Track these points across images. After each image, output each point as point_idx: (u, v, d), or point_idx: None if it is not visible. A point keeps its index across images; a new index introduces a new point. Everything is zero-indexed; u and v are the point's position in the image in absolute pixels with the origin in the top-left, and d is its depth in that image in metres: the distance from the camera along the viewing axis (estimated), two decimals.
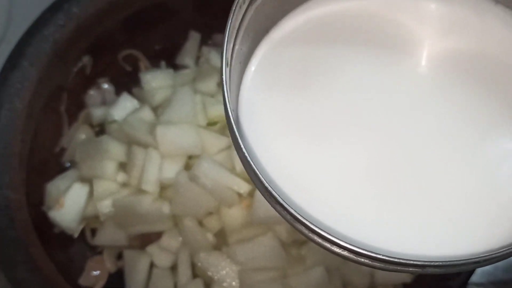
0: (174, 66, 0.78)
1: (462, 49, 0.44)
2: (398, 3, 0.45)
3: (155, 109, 0.73)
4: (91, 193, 0.69)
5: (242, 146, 0.36)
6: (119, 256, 0.71)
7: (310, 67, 0.43)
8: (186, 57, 0.79)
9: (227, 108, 0.37)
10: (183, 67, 0.78)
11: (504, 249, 0.36)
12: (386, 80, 0.43)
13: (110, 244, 0.70)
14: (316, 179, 0.40)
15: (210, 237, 0.67)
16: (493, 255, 0.35)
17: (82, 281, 0.69)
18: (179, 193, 0.66)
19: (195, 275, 0.67)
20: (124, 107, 0.74)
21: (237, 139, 0.36)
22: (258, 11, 0.41)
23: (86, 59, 0.73)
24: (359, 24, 0.45)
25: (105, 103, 0.77)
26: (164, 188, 0.68)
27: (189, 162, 0.69)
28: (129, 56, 0.78)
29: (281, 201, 0.35)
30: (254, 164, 0.36)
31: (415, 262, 0.34)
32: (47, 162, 0.71)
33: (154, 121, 0.71)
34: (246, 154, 0.36)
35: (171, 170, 0.67)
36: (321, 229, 0.34)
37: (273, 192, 0.35)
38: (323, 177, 0.40)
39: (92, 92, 0.77)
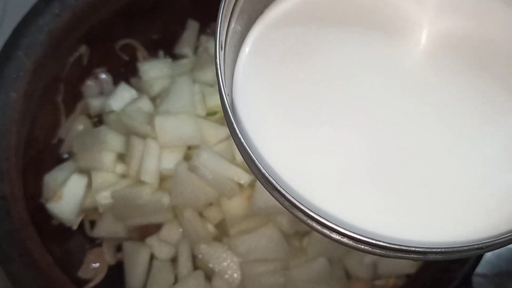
0: (172, 55, 0.77)
1: (461, 30, 0.43)
2: None
3: (154, 99, 0.72)
4: (89, 185, 0.69)
5: (237, 131, 0.35)
6: (119, 248, 0.70)
7: (304, 49, 0.42)
8: (185, 46, 0.77)
9: (221, 92, 0.36)
10: (182, 56, 0.77)
11: (507, 235, 0.35)
12: (383, 62, 0.42)
13: (109, 236, 0.70)
14: (314, 164, 0.39)
15: (210, 228, 0.66)
16: (496, 241, 0.35)
17: (81, 273, 0.68)
18: (179, 184, 0.65)
19: (195, 267, 0.67)
20: (122, 97, 0.73)
21: (232, 124, 0.35)
22: None
23: (82, 49, 0.72)
24: (355, 5, 0.43)
25: (103, 93, 0.76)
26: (163, 179, 0.67)
27: (189, 152, 0.68)
28: (126, 45, 0.76)
29: (278, 187, 0.34)
30: (250, 149, 0.35)
31: (416, 249, 0.34)
32: (44, 154, 0.70)
33: (152, 111, 0.70)
34: (242, 140, 0.35)
35: (170, 161, 0.67)
36: (320, 215, 0.33)
37: (270, 178, 0.34)
38: (321, 162, 0.39)
39: (89, 83, 0.76)
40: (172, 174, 0.66)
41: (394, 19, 0.43)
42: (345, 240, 0.34)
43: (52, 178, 0.68)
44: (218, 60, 0.37)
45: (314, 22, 0.43)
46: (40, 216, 0.66)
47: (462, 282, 0.61)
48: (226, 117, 0.36)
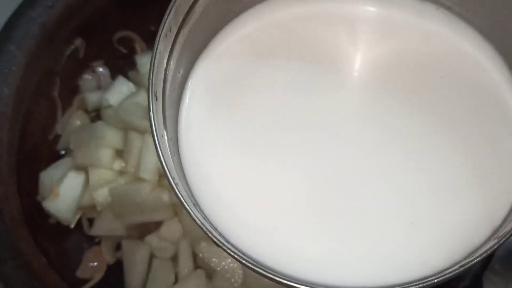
0: None
1: (390, 54, 0.44)
2: (335, 11, 0.45)
3: None
4: (87, 182, 0.67)
5: (177, 192, 0.36)
6: (118, 247, 0.68)
7: (243, 85, 0.43)
8: None
9: (156, 143, 0.36)
10: None
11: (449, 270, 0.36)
12: (321, 94, 0.43)
13: (107, 235, 0.68)
14: (249, 204, 0.40)
15: None
16: (430, 280, 0.36)
17: (79, 273, 0.66)
18: None
19: (196, 266, 0.65)
20: (120, 91, 0.71)
21: (170, 181, 0.36)
22: (191, 34, 0.41)
23: (78, 42, 0.70)
24: (295, 40, 0.44)
25: (100, 87, 0.74)
26: (162, 175, 0.65)
27: None
28: (124, 38, 0.74)
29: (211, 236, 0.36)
30: (183, 197, 0.36)
31: None
32: (40, 150, 0.68)
33: None
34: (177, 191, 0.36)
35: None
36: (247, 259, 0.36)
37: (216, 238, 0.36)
38: (257, 202, 0.40)
39: (86, 76, 0.74)
40: None
41: (330, 52, 0.44)
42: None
43: (48, 175, 0.67)
44: (151, 113, 0.37)
45: (255, 57, 0.44)
46: (37, 215, 0.64)
47: (471, 281, 0.59)
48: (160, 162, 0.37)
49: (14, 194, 0.59)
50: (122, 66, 0.74)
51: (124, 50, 0.74)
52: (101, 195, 0.66)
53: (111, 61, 0.74)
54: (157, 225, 0.66)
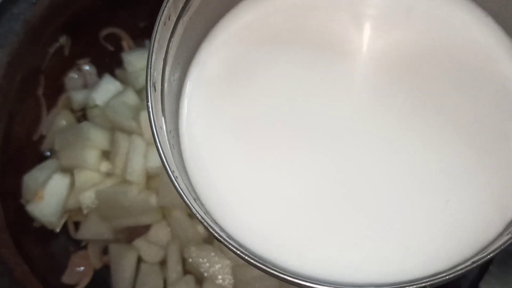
0: None
1: (397, 43, 0.42)
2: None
3: (140, 92, 0.68)
4: (72, 184, 0.65)
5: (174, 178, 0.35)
6: (105, 251, 0.67)
7: (245, 75, 0.42)
8: None
9: (154, 135, 0.35)
10: None
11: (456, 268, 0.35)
12: (327, 82, 0.42)
13: (94, 238, 0.66)
14: (253, 199, 0.39)
15: (200, 229, 0.63)
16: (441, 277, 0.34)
17: (65, 278, 0.65)
18: (166, 183, 0.61)
19: (186, 271, 0.63)
20: (106, 90, 0.69)
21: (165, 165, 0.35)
22: (191, 23, 0.40)
23: (63, 39, 0.68)
24: (300, 27, 0.43)
25: (87, 86, 0.72)
26: (150, 177, 0.64)
27: None
28: (111, 35, 0.72)
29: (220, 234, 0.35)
30: (183, 191, 0.35)
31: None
32: (24, 152, 0.66)
33: (138, 105, 0.67)
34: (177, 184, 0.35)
35: (157, 158, 0.62)
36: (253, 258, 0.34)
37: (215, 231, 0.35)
38: (261, 197, 0.39)
39: (72, 75, 0.71)
40: (159, 173, 0.62)
41: (333, 41, 0.43)
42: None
43: (32, 177, 0.65)
44: (149, 103, 0.36)
45: (256, 46, 0.43)
46: (20, 219, 0.62)
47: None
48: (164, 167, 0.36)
49: None
50: (109, 64, 0.72)
51: (111, 48, 0.72)
52: (88, 197, 0.64)
53: (97, 58, 0.72)
54: (145, 228, 0.64)
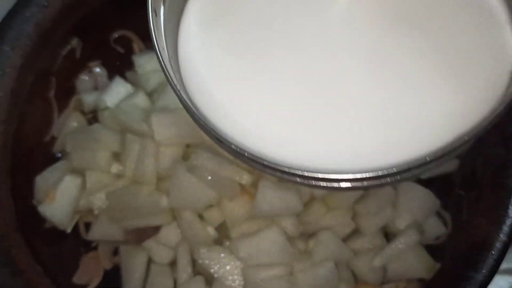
0: None
1: None
2: None
3: (150, 94, 0.69)
4: (83, 186, 0.66)
5: (174, 83, 0.39)
6: (115, 252, 0.67)
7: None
8: None
9: (157, 54, 0.40)
10: None
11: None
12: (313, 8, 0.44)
13: (105, 239, 0.66)
14: (247, 107, 0.42)
15: (211, 231, 0.63)
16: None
17: (76, 279, 0.65)
18: (177, 184, 0.61)
19: (196, 272, 0.63)
20: (117, 92, 0.69)
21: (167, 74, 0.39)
22: None
23: (74, 42, 0.68)
24: None
25: (97, 88, 0.72)
26: (161, 179, 0.64)
27: (187, 151, 0.65)
28: (121, 37, 0.73)
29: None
30: (185, 97, 0.39)
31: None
32: (36, 153, 0.67)
33: (149, 107, 0.67)
34: (179, 92, 0.39)
35: (168, 160, 0.63)
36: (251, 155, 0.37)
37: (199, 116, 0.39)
38: (254, 103, 0.42)
39: (83, 77, 0.72)
40: (170, 174, 0.62)
41: None
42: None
43: (44, 179, 0.65)
44: (152, 25, 0.40)
45: None
46: (32, 219, 0.63)
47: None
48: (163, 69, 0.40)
49: (7, 198, 0.57)
50: (120, 66, 0.72)
51: (121, 50, 0.73)
52: (98, 199, 0.65)
53: (108, 61, 0.72)
54: (156, 229, 0.65)
